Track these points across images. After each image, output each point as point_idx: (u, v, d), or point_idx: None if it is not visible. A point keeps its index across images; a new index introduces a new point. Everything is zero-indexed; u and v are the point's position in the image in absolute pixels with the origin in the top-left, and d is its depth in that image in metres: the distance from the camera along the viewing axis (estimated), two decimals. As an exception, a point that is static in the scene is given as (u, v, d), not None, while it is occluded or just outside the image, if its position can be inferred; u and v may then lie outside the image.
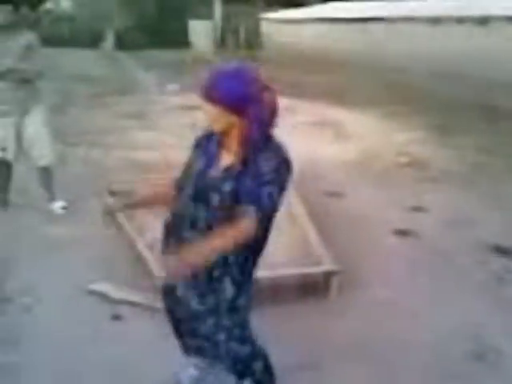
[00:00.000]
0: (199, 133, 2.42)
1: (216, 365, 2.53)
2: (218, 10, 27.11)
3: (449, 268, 4.24)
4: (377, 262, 4.32)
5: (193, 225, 2.29)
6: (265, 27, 24.26)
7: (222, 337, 2.37)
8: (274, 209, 2.20)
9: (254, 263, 2.36)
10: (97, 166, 6.63)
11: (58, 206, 5.19)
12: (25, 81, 4.76)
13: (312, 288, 3.75)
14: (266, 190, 2.12)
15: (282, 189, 2.18)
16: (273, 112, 2.20)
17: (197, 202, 2.27)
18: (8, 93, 4.76)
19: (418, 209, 5.42)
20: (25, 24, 4.89)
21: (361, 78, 14.09)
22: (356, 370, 3.03)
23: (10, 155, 4.99)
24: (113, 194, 5.24)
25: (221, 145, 2.28)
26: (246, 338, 2.43)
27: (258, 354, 2.49)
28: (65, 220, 5.01)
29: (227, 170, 2.22)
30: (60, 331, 3.32)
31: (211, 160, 2.28)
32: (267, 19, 24.06)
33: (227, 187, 2.19)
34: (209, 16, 26.85)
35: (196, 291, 2.35)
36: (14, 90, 4.75)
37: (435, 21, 14.37)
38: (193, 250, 2.11)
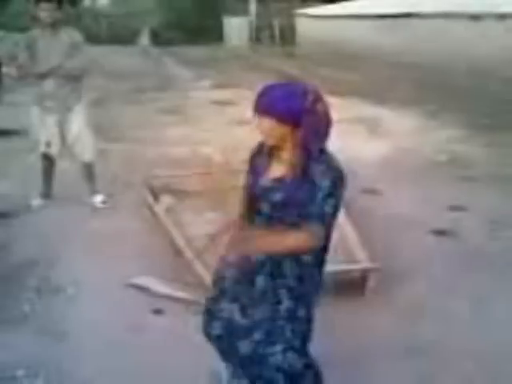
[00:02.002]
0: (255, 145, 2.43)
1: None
2: (253, 6, 27.12)
3: (488, 269, 4.18)
4: (414, 260, 4.29)
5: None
6: (300, 23, 24.18)
7: (277, 348, 2.34)
8: (332, 223, 2.23)
9: (318, 274, 2.36)
10: (135, 161, 6.73)
11: (99, 200, 5.31)
12: (70, 78, 4.87)
13: (349, 285, 3.76)
14: (329, 206, 2.15)
15: (339, 203, 2.20)
16: (327, 123, 2.23)
17: (250, 212, 2.33)
18: (53, 90, 4.88)
19: (456, 208, 5.35)
20: (67, 21, 4.97)
21: (399, 76, 13.94)
22: (390, 368, 3.03)
23: (54, 150, 5.12)
24: (149, 188, 5.34)
25: (271, 156, 2.31)
26: (303, 350, 2.41)
27: (311, 366, 2.48)
28: (105, 214, 5.12)
29: (278, 180, 2.24)
30: (103, 324, 3.40)
31: (261, 171, 2.32)
32: (302, 15, 23.98)
33: (277, 197, 2.22)
34: (244, 13, 26.90)
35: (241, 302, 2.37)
36: (59, 88, 4.87)
37: (475, 17, 14.14)
38: (252, 238, 2.19)
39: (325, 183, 2.14)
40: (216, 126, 8.60)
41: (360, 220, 4.63)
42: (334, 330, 3.31)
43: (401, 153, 7.39)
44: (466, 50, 13.49)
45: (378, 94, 11.57)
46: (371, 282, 3.76)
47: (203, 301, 3.51)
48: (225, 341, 2.45)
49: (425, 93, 11.76)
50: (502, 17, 13.17)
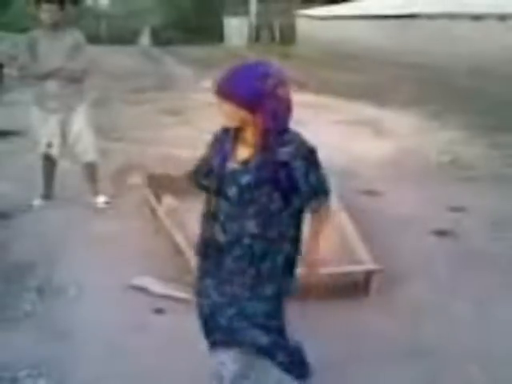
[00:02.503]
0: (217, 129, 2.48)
1: (256, 359, 2.58)
2: (253, 6, 27.14)
3: (490, 270, 4.18)
4: (416, 261, 4.29)
5: (214, 218, 2.37)
6: (300, 24, 24.22)
7: (244, 324, 2.43)
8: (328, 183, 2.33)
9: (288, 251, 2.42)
10: (136, 162, 6.73)
11: (101, 200, 5.30)
12: (71, 79, 4.87)
13: (352, 287, 3.75)
14: (313, 180, 2.25)
15: (321, 169, 2.29)
16: (287, 107, 2.23)
17: (217, 196, 2.35)
18: (55, 91, 4.87)
19: (458, 209, 5.35)
20: (68, 22, 4.97)
21: (399, 76, 13.94)
22: (393, 369, 3.03)
23: (55, 151, 5.11)
24: (151, 189, 5.33)
25: (236, 139, 2.34)
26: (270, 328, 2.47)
27: (281, 346, 2.53)
28: (107, 214, 5.11)
29: (244, 163, 2.28)
30: (104, 325, 3.39)
31: (227, 154, 2.34)
32: (303, 16, 24.00)
33: (245, 180, 2.25)
34: (244, 13, 26.92)
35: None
36: (61, 88, 4.87)
37: (477, 18, 14.14)
38: (313, 268, 2.41)
39: (297, 164, 2.21)
40: (217, 127, 8.57)
41: (362, 221, 4.62)
42: (336, 331, 3.31)
43: (403, 154, 7.38)
44: (469, 51, 13.51)
45: (379, 95, 11.57)
46: (374, 284, 3.76)
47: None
48: (210, 316, 2.51)
49: (427, 93, 11.76)
50: (504, 17, 13.18)
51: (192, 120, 9.21)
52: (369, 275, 3.77)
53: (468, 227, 4.94)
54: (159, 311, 3.54)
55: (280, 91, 2.17)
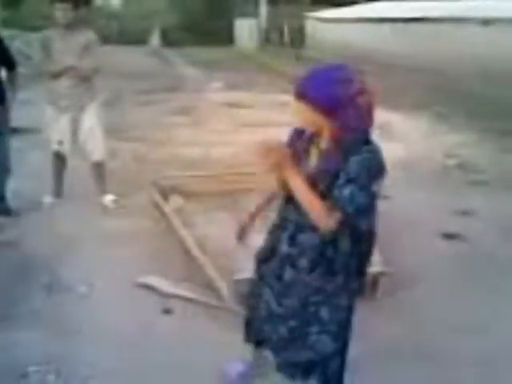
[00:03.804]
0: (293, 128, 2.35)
1: (265, 362, 2.58)
2: (263, 9, 27.18)
3: (499, 274, 4.17)
4: (424, 264, 4.28)
5: (282, 227, 2.33)
6: (310, 26, 24.23)
7: (313, 329, 2.35)
8: (360, 209, 2.09)
9: (358, 263, 2.33)
10: (145, 161, 6.77)
11: (108, 199, 5.33)
12: (83, 78, 4.91)
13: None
14: (348, 190, 2.05)
15: (367, 190, 2.08)
16: (367, 117, 2.12)
17: (287, 202, 2.28)
18: (66, 89, 4.91)
19: (466, 213, 5.34)
20: (81, 21, 5.01)
21: (407, 80, 13.92)
22: (400, 372, 3.03)
23: (65, 149, 5.16)
24: (159, 189, 5.36)
25: (312, 142, 2.23)
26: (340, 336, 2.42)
27: (340, 355, 2.49)
28: (115, 213, 5.14)
29: (318, 169, 2.16)
30: (113, 323, 3.41)
31: (301, 157, 2.23)
32: (312, 18, 24.01)
33: (320, 186, 2.14)
34: (254, 15, 26.95)
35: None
36: (72, 87, 4.90)
37: (485, 22, 14.10)
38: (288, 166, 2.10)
39: (351, 168, 2.04)
40: (226, 128, 8.62)
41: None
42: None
43: (411, 157, 7.38)
44: (477, 54, 13.47)
45: (387, 98, 11.52)
46: (381, 286, 3.76)
47: (211, 301, 3.55)
48: (267, 322, 2.45)
49: (435, 97, 11.74)
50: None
51: (202, 120, 9.23)
52: (377, 277, 3.77)
53: (476, 231, 4.93)
54: (167, 311, 3.55)
55: (360, 99, 2.06)
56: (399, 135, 8.69)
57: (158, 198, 5.21)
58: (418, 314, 3.62)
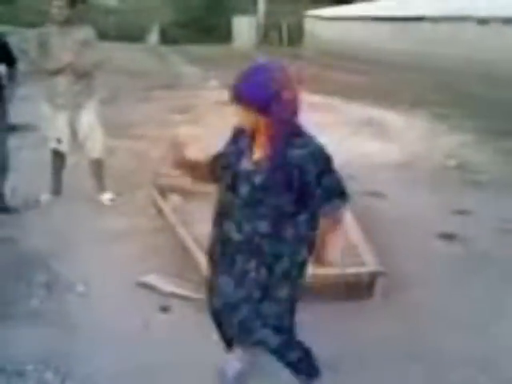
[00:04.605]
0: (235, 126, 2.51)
1: (260, 357, 2.62)
2: (261, 6, 27.16)
3: (496, 275, 4.18)
4: (421, 264, 4.29)
5: (228, 216, 2.44)
6: (308, 24, 24.22)
7: (257, 323, 2.47)
8: (343, 184, 2.38)
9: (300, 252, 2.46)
10: (143, 159, 6.77)
11: (106, 197, 5.34)
12: (81, 75, 4.90)
13: (356, 289, 3.77)
14: (328, 181, 2.30)
15: (334, 170, 2.34)
16: (295, 108, 2.28)
17: (231, 194, 2.40)
18: (65, 86, 4.90)
19: (464, 213, 5.35)
20: (79, 18, 5.01)
21: (407, 79, 13.93)
22: (395, 372, 3.05)
23: (64, 147, 5.15)
24: (157, 187, 5.36)
25: (252, 139, 2.39)
26: (281, 328, 2.51)
27: (294, 346, 2.58)
28: (113, 211, 5.14)
29: (258, 163, 2.33)
30: (111, 321, 3.42)
31: (242, 153, 2.40)
32: (311, 16, 24.00)
33: (257, 180, 2.31)
34: (253, 12, 26.93)
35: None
36: (70, 85, 4.89)
37: (482, 21, 14.13)
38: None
39: (311, 166, 2.25)
40: (225, 126, 8.59)
41: (367, 223, 4.64)
42: (340, 333, 3.33)
43: (409, 156, 7.39)
44: (476, 54, 13.49)
45: (386, 97, 11.57)
46: (378, 286, 3.78)
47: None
48: (223, 314, 2.54)
49: (434, 96, 11.75)
50: (509, 21, 13.16)
51: (199, 118, 9.23)
52: (373, 277, 3.79)
53: (474, 231, 4.94)
54: (165, 309, 3.57)
55: (286, 94, 2.21)
56: (397, 134, 8.70)
57: (156, 196, 5.21)
58: (414, 314, 3.63)
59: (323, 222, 2.39)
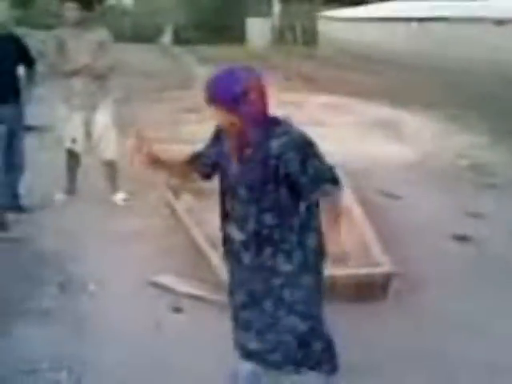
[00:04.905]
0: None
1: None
2: (276, 7, 27.15)
3: (509, 277, 4.15)
4: (435, 266, 4.27)
5: (230, 217, 2.48)
6: (322, 25, 24.16)
7: (282, 312, 2.47)
8: (330, 168, 2.36)
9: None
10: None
11: (120, 197, 5.37)
12: (96, 77, 4.94)
13: (370, 290, 3.75)
14: (312, 168, 2.27)
15: (318, 156, 2.33)
16: (263, 106, 2.33)
17: (232, 197, 2.44)
18: (81, 87, 4.95)
19: (478, 215, 5.30)
20: (93, 20, 5.07)
21: (420, 79, 13.84)
22: (409, 375, 3.03)
23: (79, 147, 5.19)
24: (170, 187, 5.37)
25: (231, 138, 2.42)
26: (308, 315, 2.51)
27: (318, 334, 2.57)
28: (127, 211, 5.17)
29: (244, 162, 2.37)
30: (124, 320, 3.44)
31: (228, 154, 2.44)
32: (325, 17, 23.95)
33: (248, 179, 2.36)
34: (267, 14, 26.92)
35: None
36: (86, 86, 4.94)
37: (498, 22, 14.02)
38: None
39: (291, 155, 2.26)
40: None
41: (380, 224, 4.62)
42: (354, 334, 3.31)
43: (422, 157, 7.35)
44: (489, 55, 13.39)
45: (399, 98, 11.51)
46: (392, 287, 3.76)
47: (222, 299, 3.56)
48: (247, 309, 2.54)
49: (447, 97, 11.67)
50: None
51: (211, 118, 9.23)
52: (387, 278, 3.77)
53: (488, 233, 4.89)
54: (178, 310, 3.57)
55: (253, 93, 2.28)
56: (411, 135, 8.66)
57: (169, 196, 5.23)
58: (428, 316, 3.61)
59: (322, 210, 2.39)
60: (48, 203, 5.21)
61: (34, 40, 8.91)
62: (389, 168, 6.74)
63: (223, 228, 2.56)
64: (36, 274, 3.95)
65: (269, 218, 2.37)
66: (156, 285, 3.83)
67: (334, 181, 2.33)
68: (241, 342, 2.65)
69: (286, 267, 2.41)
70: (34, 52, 5.09)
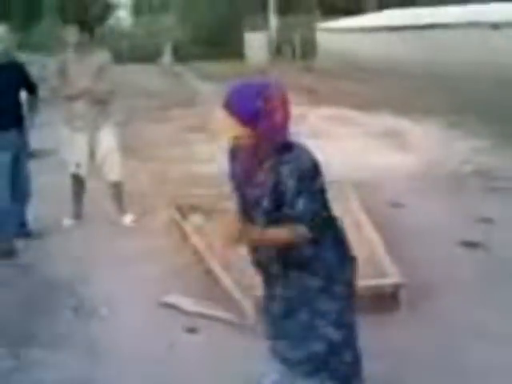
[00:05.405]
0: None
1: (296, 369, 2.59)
2: (273, 21, 27.31)
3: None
4: (445, 274, 4.26)
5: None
6: (320, 37, 24.29)
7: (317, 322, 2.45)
8: (315, 213, 2.27)
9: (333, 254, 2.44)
10: (162, 180, 6.81)
11: (127, 219, 5.38)
12: (98, 100, 4.98)
13: (380, 301, 3.73)
14: (300, 204, 2.22)
15: (314, 193, 2.26)
16: (283, 131, 2.28)
17: (248, 219, 2.40)
18: (82, 111, 4.99)
19: (485, 220, 5.29)
20: (95, 42, 5.13)
21: (421, 87, 13.88)
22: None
23: (83, 171, 5.22)
24: (178, 208, 5.38)
25: (250, 157, 2.36)
26: (341, 324, 2.49)
27: (350, 344, 2.54)
28: (135, 233, 5.18)
29: (260, 185, 2.32)
30: (138, 343, 3.44)
31: (245, 175, 2.40)
32: (323, 29, 24.07)
33: (264, 204, 2.31)
34: (264, 27, 27.09)
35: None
36: (88, 108, 4.98)
37: (494, 26, 14.07)
38: (246, 228, 2.29)
39: (290, 183, 2.22)
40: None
41: (388, 234, 4.62)
42: (365, 346, 3.29)
43: (426, 164, 7.36)
44: (488, 60, 13.42)
45: (400, 106, 11.54)
46: (403, 297, 3.75)
47: (234, 319, 3.55)
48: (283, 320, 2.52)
49: (448, 103, 11.69)
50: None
51: (215, 136, 9.27)
52: (397, 288, 3.76)
53: (496, 239, 4.87)
54: (192, 330, 3.56)
55: (277, 114, 2.23)
56: (413, 142, 8.67)
57: (177, 216, 5.23)
58: (442, 326, 3.59)
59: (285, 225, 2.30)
60: (56, 228, 5.23)
61: (36, 65, 9.01)
62: (394, 178, 6.74)
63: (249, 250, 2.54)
64: (46, 300, 3.96)
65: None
66: (168, 306, 3.82)
67: (310, 225, 2.26)
68: (276, 350, 2.63)
69: (312, 281, 2.41)
70: (35, 77, 5.14)
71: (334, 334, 2.47)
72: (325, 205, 2.37)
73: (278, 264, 2.44)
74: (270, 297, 2.59)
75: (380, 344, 3.31)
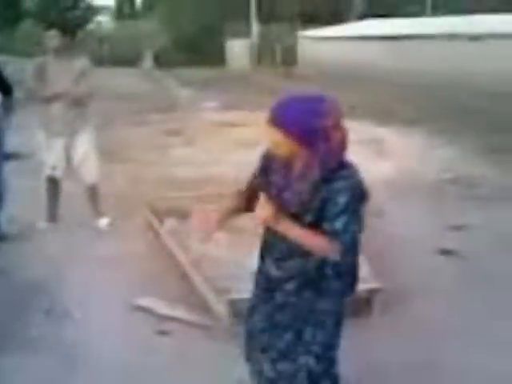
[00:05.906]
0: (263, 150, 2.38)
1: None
2: (255, 29, 27.42)
3: (496, 289, 4.16)
4: (420, 281, 4.28)
5: (268, 252, 2.36)
6: (302, 45, 24.43)
7: (301, 350, 2.36)
8: (354, 235, 2.16)
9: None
10: (140, 183, 6.77)
11: (103, 222, 5.32)
12: (76, 103, 4.92)
13: (355, 305, 3.73)
14: (340, 222, 2.09)
15: (355, 219, 2.14)
16: (339, 151, 2.13)
17: (274, 232, 2.26)
18: (60, 114, 4.92)
19: (462, 227, 5.34)
20: (74, 47, 5.08)
21: (402, 96, 14.01)
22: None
23: (59, 174, 5.15)
24: (154, 211, 5.34)
25: (288, 169, 2.22)
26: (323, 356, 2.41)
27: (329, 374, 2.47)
28: (110, 236, 5.13)
29: (302, 202, 2.17)
30: (110, 346, 3.40)
31: (281, 185, 2.25)
32: (304, 37, 24.22)
33: (307, 219, 2.17)
34: (246, 34, 27.17)
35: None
36: (66, 111, 4.92)
37: (474, 38, 14.27)
38: (280, 219, 2.15)
39: (340, 199, 2.09)
40: (220, 147, 8.64)
41: (365, 240, 4.60)
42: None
43: (405, 172, 7.40)
44: (469, 70, 13.60)
45: (381, 115, 11.62)
46: (377, 302, 3.75)
47: (207, 322, 3.53)
48: (266, 335, 2.43)
49: (429, 113, 11.82)
50: (503, 36, 13.28)
51: (195, 140, 9.26)
52: (371, 294, 3.77)
53: (472, 246, 4.92)
54: (164, 333, 3.54)
55: (333, 134, 2.07)
56: (392, 151, 8.73)
57: (152, 219, 5.20)
58: (414, 331, 3.61)
59: (323, 236, 2.16)
60: (30, 231, 5.16)
61: (14, 68, 8.91)
62: (373, 185, 6.73)
63: (259, 261, 2.43)
64: (20, 303, 3.89)
65: (313, 260, 2.23)
66: (141, 309, 3.79)
67: (346, 245, 2.13)
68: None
69: (317, 302, 2.31)
70: (12, 80, 5.07)
71: (316, 367, 2.39)
72: (359, 231, 2.21)
73: (289, 290, 2.31)
74: (264, 291, 2.44)
75: (348, 348, 3.31)
